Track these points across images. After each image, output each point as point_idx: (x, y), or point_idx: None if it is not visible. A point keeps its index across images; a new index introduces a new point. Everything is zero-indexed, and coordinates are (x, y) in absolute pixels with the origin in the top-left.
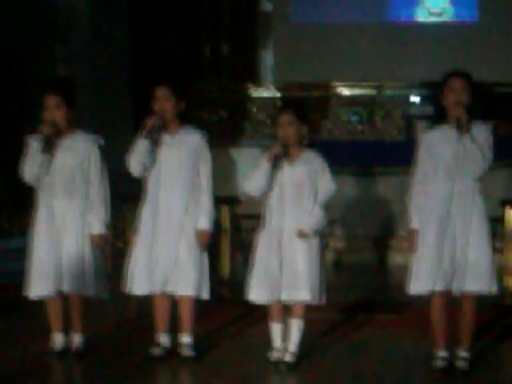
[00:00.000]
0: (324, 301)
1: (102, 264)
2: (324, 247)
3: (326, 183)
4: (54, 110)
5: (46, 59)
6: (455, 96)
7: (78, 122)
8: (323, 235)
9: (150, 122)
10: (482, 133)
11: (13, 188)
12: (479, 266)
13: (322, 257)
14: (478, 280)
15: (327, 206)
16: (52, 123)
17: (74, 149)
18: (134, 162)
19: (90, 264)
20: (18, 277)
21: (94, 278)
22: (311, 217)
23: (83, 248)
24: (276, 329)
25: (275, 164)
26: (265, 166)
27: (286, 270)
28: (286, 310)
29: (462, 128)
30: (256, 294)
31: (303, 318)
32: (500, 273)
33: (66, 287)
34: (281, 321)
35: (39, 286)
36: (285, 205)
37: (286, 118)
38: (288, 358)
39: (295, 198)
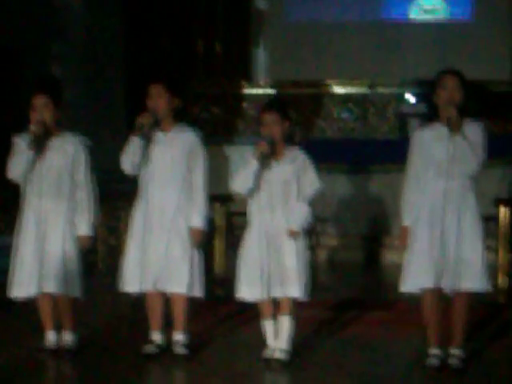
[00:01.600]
0: (310, 297)
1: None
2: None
3: (310, 180)
4: (41, 109)
5: (41, 57)
6: (447, 95)
7: (70, 120)
8: (310, 232)
9: (143, 119)
10: (474, 131)
11: (5, 185)
12: (472, 263)
13: (307, 254)
14: (471, 278)
15: (319, 204)
16: (41, 122)
17: (61, 149)
18: (127, 160)
19: (74, 265)
20: (5, 275)
21: (77, 279)
22: (299, 215)
23: (67, 249)
24: (268, 326)
25: (263, 162)
26: (253, 164)
27: (276, 267)
28: (276, 307)
29: (454, 127)
30: (245, 291)
31: (292, 314)
32: (494, 271)
33: (49, 288)
34: (272, 317)
35: (21, 286)
36: (274, 203)
37: (271, 117)
38: (280, 355)
39: (283, 195)
